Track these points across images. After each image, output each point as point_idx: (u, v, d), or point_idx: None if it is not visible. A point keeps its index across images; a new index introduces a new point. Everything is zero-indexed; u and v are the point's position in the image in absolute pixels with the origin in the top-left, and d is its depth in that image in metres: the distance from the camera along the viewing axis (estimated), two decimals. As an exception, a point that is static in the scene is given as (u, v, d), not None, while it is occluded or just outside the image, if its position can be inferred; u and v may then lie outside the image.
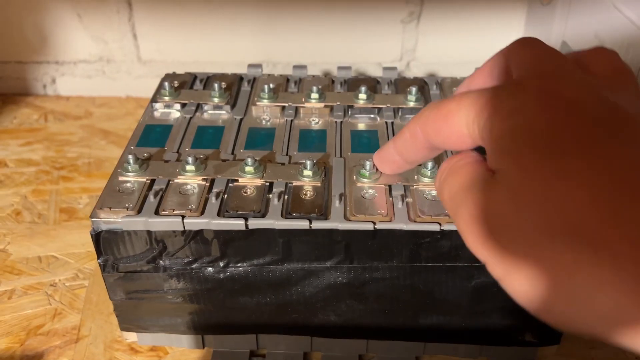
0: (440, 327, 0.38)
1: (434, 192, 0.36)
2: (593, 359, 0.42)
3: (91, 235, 0.35)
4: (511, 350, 0.40)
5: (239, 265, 0.36)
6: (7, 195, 0.56)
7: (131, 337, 0.41)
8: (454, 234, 0.34)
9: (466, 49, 0.69)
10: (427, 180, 0.36)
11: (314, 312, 0.38)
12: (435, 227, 0.34)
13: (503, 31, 0.68)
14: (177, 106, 0.45)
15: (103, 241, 0.35)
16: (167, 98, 0.45)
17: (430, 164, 0.36)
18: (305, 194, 0.36)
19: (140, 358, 0.41)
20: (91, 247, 0.50)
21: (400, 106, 0.44)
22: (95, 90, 0.73)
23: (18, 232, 0.52)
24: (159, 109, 0.45)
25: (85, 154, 0.62)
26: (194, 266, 0.36)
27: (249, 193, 0.36)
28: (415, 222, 0.34)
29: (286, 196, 0.36)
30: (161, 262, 0.36)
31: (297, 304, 0.37)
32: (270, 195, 0.36)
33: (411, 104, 0.44)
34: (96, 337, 0.43)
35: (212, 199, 0.35)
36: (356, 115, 0.44)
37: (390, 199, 0.35)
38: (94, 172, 0.59)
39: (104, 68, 0.71)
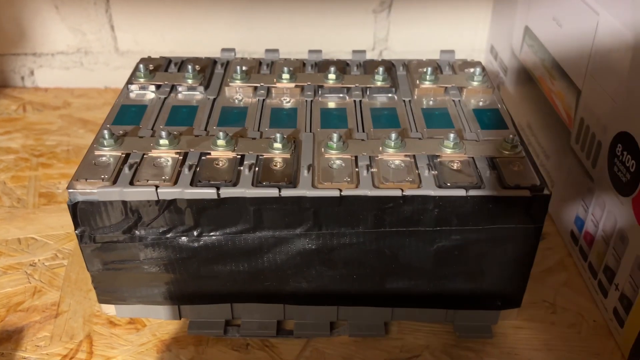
0: (406, 292, 0.40)
1: (397, 162, 0.38)
2: (553, 322, 0.44)
3: (68, 206, 0.36)
4: (474, 314, 0.42)
5: (212, 234, 0.37)
6: (-14, 182, 0.57)
7: (110, 310, 0.43)
8: (416, 199, 0.35)
9: (436, 37, 0.71)
10: (390, 150, 0.38)
11: (285, 280, 0.39)
12: (397, 193, 0.35)
13: (471, 19, 0.70)
14: (152, 87, 0.46)
15: (80, 212, 0.36)
16: (142, 80, 0.46)
17: (393, 135, 0.38)
18: (275, 165, 0.37)
19: (119, 331, 0.43)
20: (70, 229, 0.51)
21: (368, 86, 0.46)
22: (73, 82, 0.74)
23: (-3, 216, 0.53)
24: (135, 90, 0.46)
25: (64, 142, 0.63)
26: (168, 236, 0.37)
27: (220, 165, 0.37)
28: (378, 188, 0.36)
29: (257, 168, 0.37)
30: (137, 232, 0.37)
31: (269, 272, 0.39)
32: (242, 167, 0.37)
33: (379, 84, 0.46)
34: (75, 312, 0.44)
35: (185, 171, 0.37)
36: (326, 95, 0.46)
37: (356, 169, 0.37)
38: (73, 158, 0.60)
39: (81, 59, 0.72)
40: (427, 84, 0.45)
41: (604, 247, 0.43)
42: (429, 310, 0.42)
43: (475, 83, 0.46)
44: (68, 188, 0.36)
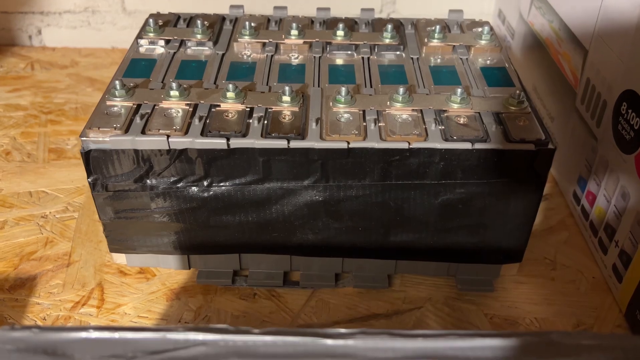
0: (410, 245, 0.41)
1: (404, 116, 0.38)
2: (553, 278, 0.45)
3: (81, 154, 0.37)
4: (476, 268, 0.43)
5: (222, 184, 0.38)
6: (-4, 137, 0.58)
7: (120, 259, 0.44)
8: (422, 152, 0.36)
9: (444, 1, 0.71)
10: (398, 105, 0.39)
11: (292, 231, 0.40)
12: (404, 145, 0.36)
13: (480, -17, 0.70)
14: (162, 42, 0.46)
15: (92, 160, 0.37)
16: (151, 35, 0.46)
17: (401, 90, 0.39)
18: (284, 118, 0.38)
19: (129, 279, 0.44)
20: (80, 183, 0.52)
21: (376, 43, 0.46)
22: (80, 41, 0.74)
23: (8, 170, 0.54)
24: (144, 45, 0.46)
25: (72, 99, 0.63)
26: (179, 185, 0.38)
27: (230, 116, 0.38)
28: (385, 141, 0.36)
29: (265, 120, 0.38)
30: (148, 181, 0.38)
31: (277, 223, 0.40)
32: (251, 120, 0.38)
33: (387, 41, 0.46)
34: (86, 262, 0.45)
35: (196, 121, 0.37)
36: (334, 52, 0.46)
37: (364, 123, 0.38)
38: (81, 116, 0.61)
39: (89, 19, 0.72)
40: (435, 42, 0.46)
41: (606, 205, 0.44)
42: (431, 264, 0.43)
43: (483, 42, 0.46)
44: (81, 136, 0.36)
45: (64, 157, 0.55)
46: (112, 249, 0.42)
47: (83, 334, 0.26)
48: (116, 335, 0.26)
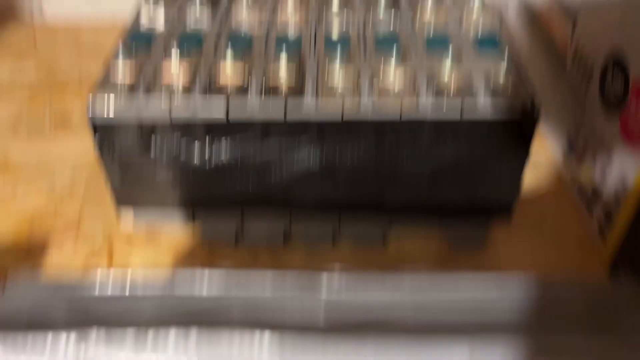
0: (403, 204, 0.43)
1: (397, 82, 0.40)
2: (543, 235, 0.47)
3: (88, 117, 0.38)
4: (466, 225, 0.45)
5: (223, 140, 0.40)
6: (1, 108, 0.59)
7: (128, 218, 0.46)
8: (413, 118, 0.38)
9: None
10: (391, 71, 0.40)
11: (290, 189, 0.42)
12: (396, 111, 0.38)
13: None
14: (162, 11, 0.48)
15: (98, 122, 0.39)
16: (151, 3, 0.48)
17: (394, 57, 0.40)
18: (281, 80, 0.40)
19: (137, 239, 0.46)
20: (88, 149, 0.54)
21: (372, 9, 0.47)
22: (83, 13, 0.75)
23: (17, 140, 0.55)
24: (144, 13, 0.48)
25: (76, 71, 0.65)
26: (182, 141, 0.40)
27: (229, 76, 0.40)
28: (379, 107, 0.38)
29: (264, 80, 0.40)
30: (153, 139, 0.40)
31: (276, 180, 0.42)
32: (250, 78, 0.40)
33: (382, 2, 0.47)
34: (95, 223, 0.47)
35: (197, 81, 0.39)
36: (330, 21, 0.47)
37: (358, 87, 0.39)
38: (86, 87, 0.62)
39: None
40: (429, 9, 0.47)
41: (593, 165, 0.46)
42: (423, 221, 0.45)
43: (476, 8, 0.47)
44: (88, 100, 0.38)
45: (70, 126, 0.57)
46: (120, 203, 0.44)
47: (98, 282, 0.28)
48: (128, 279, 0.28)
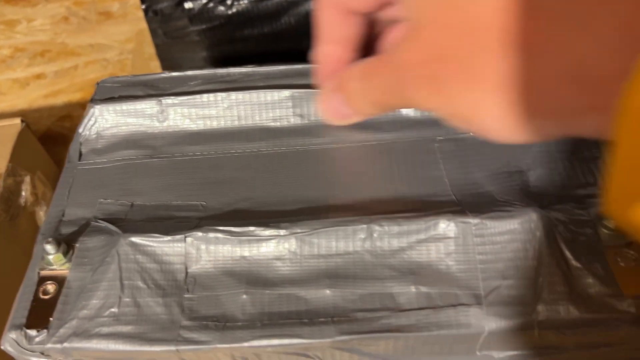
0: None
1: None
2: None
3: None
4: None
5: (242, 1, 0.49)
6: (54, 8, 0.69)
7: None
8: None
9: None
10: None
11: (299, 39, 0.52)
12: None
13: None
14: None
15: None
16: None
17: None
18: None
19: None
20: (129, 35, 0.64)
21: None
22: None
23: (70, 30, 0.66)
24: None
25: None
26: (209, 5, 0.50)
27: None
28: None
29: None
30: (186, 4, 0.50)
31: (287, 33, 0.51)
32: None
33: None
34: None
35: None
36: None
37: None
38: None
39: None
40: None
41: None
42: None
43: None
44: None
45: (113, 17, 0.67)
46: (164, 67, 0.55)
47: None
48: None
